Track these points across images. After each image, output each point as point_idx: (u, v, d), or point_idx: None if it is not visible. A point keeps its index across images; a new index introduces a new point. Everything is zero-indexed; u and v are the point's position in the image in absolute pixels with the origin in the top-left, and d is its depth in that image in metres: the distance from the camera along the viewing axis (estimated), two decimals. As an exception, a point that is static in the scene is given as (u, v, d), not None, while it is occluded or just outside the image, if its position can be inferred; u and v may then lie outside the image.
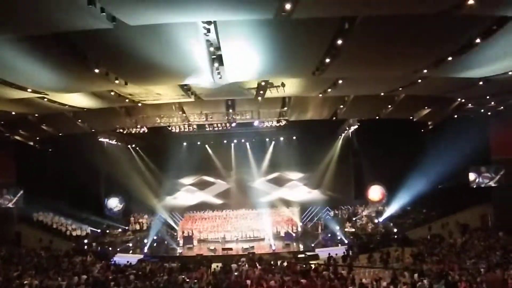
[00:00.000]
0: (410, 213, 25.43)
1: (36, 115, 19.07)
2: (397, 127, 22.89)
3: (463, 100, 18.70)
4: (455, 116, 21.37)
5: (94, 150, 24.24)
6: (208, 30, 9.03)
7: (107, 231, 25.80)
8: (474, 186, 22.34)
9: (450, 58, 11.12)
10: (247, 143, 28.23)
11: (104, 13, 7.18)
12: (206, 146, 28.15)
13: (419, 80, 14.22)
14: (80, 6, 6.70)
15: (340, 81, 14.38)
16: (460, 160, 22.28)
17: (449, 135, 22.21)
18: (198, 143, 27.86)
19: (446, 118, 21.58)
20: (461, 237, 20.76)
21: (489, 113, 20.95)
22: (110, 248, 22.89)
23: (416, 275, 13.37)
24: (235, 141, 28.07)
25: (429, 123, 23.32)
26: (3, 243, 22.16)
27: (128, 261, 18.55)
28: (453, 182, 22.87)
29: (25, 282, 13.44)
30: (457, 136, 21.76)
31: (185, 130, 21.03)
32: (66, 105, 16.81)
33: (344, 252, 19.80)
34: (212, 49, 10.32)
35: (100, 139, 23.95)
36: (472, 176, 22.34)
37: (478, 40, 9.68)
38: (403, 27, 9.17)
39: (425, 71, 12.58)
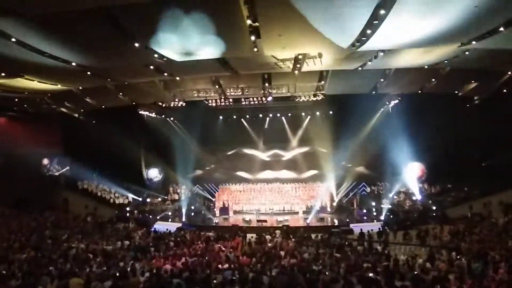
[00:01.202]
0: (450, 191, 24.65)
1: (80, 88, 19.82)
2: (440, 102, 21.90)
3: (513, 74, 17.58)
4: (504, 90, 20.14)
5: (135, 122, 25.02)
6: (246, 2, 8.91)
7: (148, 200, 26.87)
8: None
9: (502, 29, 10.43)
10: (283, 117, 28.11)
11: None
12: (242, 120, 28.29)
13: (466, 53, 13.47)
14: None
15: (381, 53, 13.88)
16: (506, 137, 21.19)
17: (497, 111, 21.05)
18: (234, 116, 28.06)
19: (494, 93, 20.38)
20: (504, 217, 19.98)
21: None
22: (150, 216, 23.91)
23: (453, 253, 13.12)
24: (270, 115, 28.01)
25: (476, 98, 22.14)
26: (52, 209, 23.68)
27: (167, 229, 19.33)
28: (499, 160, 21.84)
29: (73, 245, 14.36)
30: (505, 112, 20.60)
31: (222, 104, 21.19)
32: (108, 78, 17.34)
33: (379, 228, 19.64)
34: (249, 21, 10.19)
35: (140, 112, 24.63)
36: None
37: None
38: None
39: (474, 43, 11.89)
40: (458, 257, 12.59)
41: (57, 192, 26.24)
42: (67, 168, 26.36)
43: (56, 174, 26.33)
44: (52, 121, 25.50)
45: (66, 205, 25.67)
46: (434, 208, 22.93)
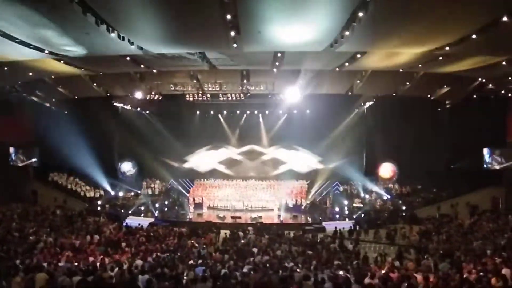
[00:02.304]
0: (420, 191, 25.38)
1: (53, 77, 19.22)
2: (413, 105, 22.48)
3: (483, 80, 18.20)
4: (474, 96, 20.87)
5: (109, 114, 24.49)
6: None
7: (120, 194, 26.38)
8: (488, 166, 22.30)
9: (474, 36, 10.76)
10: (260, 115, 28.13)
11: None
12: (219, 115, 28.15)
13: (440, 58, 13.85)
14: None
15: (359, 55, 14.08)
16: (475, 141, 21.98)
17: (466, 116, 21.82)
18: (212, 112, 27.88)
19: (464, 98, 21.09)
20: (470, 218, 20.74)
21: (509, 95, 20.43)
22: (122, 211, 23.49)
23: (421, 253, 13.50)
24: (248, 112, 27.96)
25: (447, 102, 22.84)
26: (19, 201, 22.91)
27: (139, 224, 19.05)
28: (466, 163, 22.64)
29: (40, 239, 13.93)
30: (474, 117, 21.38)
31: (199, 99, 21.00)
32: (82, 68, 16.89)
33: (351, 227, 20.00)
34: (229, 17, 10.11)
35: (115, 104, 24.12)
36: (486, 152, 22.43)
37: (505, 19, 9.30)
38: (428, 2, 8.85)
39: (447, 48, 12.23)
40: (425, 256, 12.97)
41: (25, 184, 25.42)
42: (33, 159, 25.43)
43: (20, 165, 25.35)
44: (22, 110, 24.59)
45: (35, 197, 24.91)
46: (404, 208, 23.55)
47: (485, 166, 22.53)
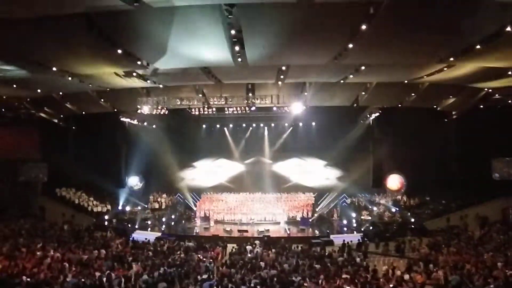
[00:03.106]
0: (428, 203, 25.10)
1: (61, 93, 19.49)
2: (419, 116, 22.39)
3: (490, 90, 18.13)
4: (481, 106, 20.77)
5: (116, 129, 24.70)
6: (230, 13, 8.96)
7: (127, 208, 26.40)
8: (497, 178, 22.02)
9: (478, 47, 10.78)
10: (266, 128, 28.23)
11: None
12: (225, 129, 28.30)
13: (445, 69, 13.86)
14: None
15: (363, 68, 14.13)
16: (483, 151, 21.80)
17: (474, 126, 21.66)
18: (217, 126, 28.03)
19: (471, 108, 20.99)
20: (480, 230, 20.43)
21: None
22: (129, 225, 23.47)
23: (431, 266, 13.31)
24: (253, 125, 28.08)
25: (454, 112, 22.74)
26: (27, 217, 23.03)
27: (146, 238, 19.02)
28: (475, 174, 22.42)
29: (48, 254, 13.96)
30: (482, 127, 21.22)
31: (205, 112, 21.13)
32: (90, 84, 17.12)
33: (359, 240, 19.78)
34: (233, 32, 10.24)
35: (122, 119, 24.35)
36: (496, 166, 22.18)
37: (508, 29, 9.32)
38: (430, 14, 8.91)
39: (452, 59, 12.24)
40: (435, 269, 12.78)
41: (33, 199, 25.57)
42: (44, 174, 25.57)
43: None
44: (30, 126, 24.90)
45: (43, 213, 25.01)
46: (412, 220, 23.26)
47: (497, 178, 22.38)
